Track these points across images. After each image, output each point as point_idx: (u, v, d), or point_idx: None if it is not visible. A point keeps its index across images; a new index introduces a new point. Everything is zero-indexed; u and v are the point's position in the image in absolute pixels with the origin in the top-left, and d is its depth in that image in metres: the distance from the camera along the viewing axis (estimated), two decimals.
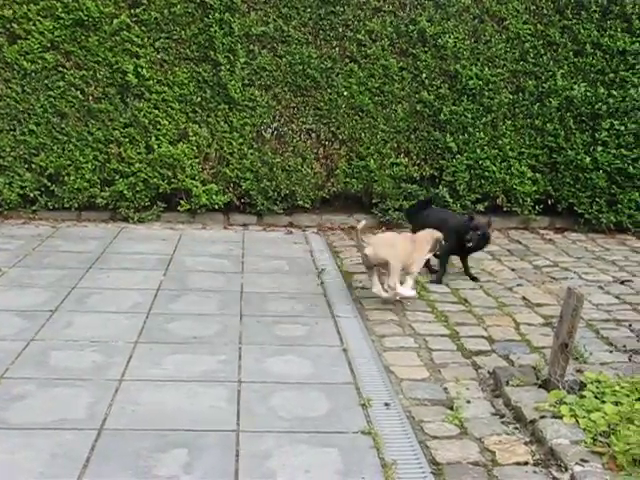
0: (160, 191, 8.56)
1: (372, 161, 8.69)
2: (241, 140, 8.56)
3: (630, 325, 5.75)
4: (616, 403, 4.11)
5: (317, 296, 6.21)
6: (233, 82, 8.37)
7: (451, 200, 8.78)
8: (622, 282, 7.01)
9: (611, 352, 5.22)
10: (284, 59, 8.48)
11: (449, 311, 6.00)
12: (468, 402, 4.40)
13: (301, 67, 8.49)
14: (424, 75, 8.66)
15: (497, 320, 5.84)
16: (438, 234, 6.27)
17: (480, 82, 8.67)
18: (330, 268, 7.03)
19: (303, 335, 5.33)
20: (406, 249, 6.03)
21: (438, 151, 8.86)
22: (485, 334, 5.53)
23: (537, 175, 9.01)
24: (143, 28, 8.24)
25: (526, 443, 3.95)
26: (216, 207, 8.64)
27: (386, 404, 4.31)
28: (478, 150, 8.80)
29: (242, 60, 8.37)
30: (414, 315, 5.87)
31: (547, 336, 5.28)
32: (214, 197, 8.56)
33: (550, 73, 8.80)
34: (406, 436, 3.97)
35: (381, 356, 5.04)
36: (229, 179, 8.65)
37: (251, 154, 8.59)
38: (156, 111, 8.37)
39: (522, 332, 5.59)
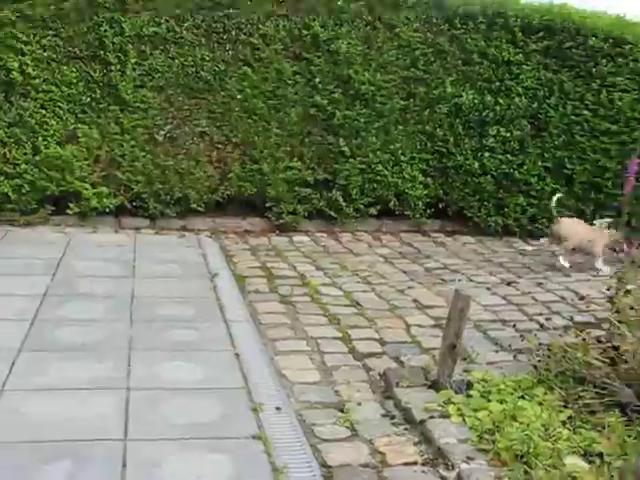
0: (48, 193, 8.27)
1: (266, 165, 8.67)
2: (133, 142, 8.38)
3: (514, 325, 5.90)
4: (501, 401, 4.23)
5: (209, 300, 6.14)
6: (124, 83, 8.20)
7: (344, 204, 8.86)
8: (508, 283, 7.24)
9: (497, 352, 5.36)
10: (177, 61, 8.37)
11: (341, 314, 6.04)
12: (359, 404, 4.44)
13: (194, 69, 8.40)
14: (317, 79, 8.70)
15: (388, 322, 5.91)
16: (618, 235, 7.55)
17: (372, 87, 8.79)
18: (223, 272, 6.96)
19: (194, 340, 5.25)
20: (586, 236, 7.57)
21: (331, 155, 8.91)
22: (376, 336, 5.60)
23: (428, 179, 9.19)
24: (28, 24, 7.97)
25: (415, 443, 4.01)
26: (107, 210, 8.42)
27: (277, 408, 4.29)
28: (371, 154, 8.90)
29: (133, 61, 8.20)
30: (307, 318, 5.88)
31: (437, 337, 5.34)
32: (105, 200, 8.34)
33: (440, 80, 8.99)
34: (297, 440, 3.97)
35: (273, 360, 5.02)
36: (120, 182, 8.44)
37: (143, 157, 8.42)
38: (43, 111, 8.11)
39: (413, 334, 5.69)
